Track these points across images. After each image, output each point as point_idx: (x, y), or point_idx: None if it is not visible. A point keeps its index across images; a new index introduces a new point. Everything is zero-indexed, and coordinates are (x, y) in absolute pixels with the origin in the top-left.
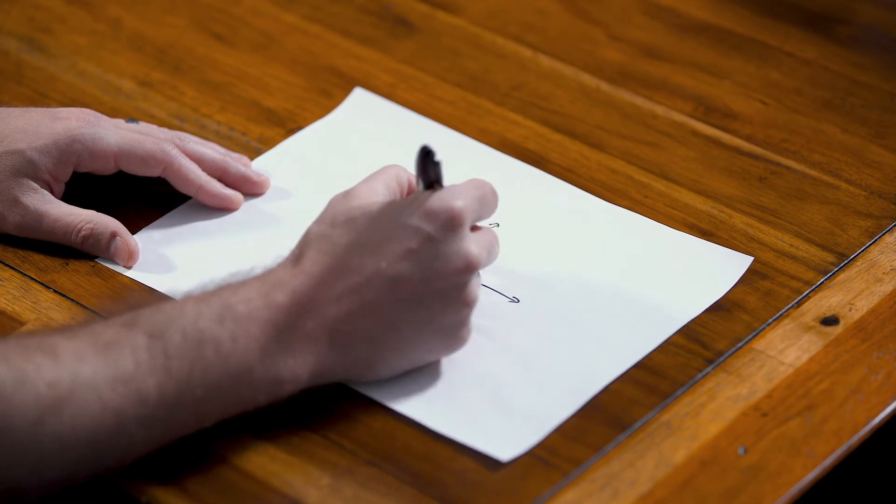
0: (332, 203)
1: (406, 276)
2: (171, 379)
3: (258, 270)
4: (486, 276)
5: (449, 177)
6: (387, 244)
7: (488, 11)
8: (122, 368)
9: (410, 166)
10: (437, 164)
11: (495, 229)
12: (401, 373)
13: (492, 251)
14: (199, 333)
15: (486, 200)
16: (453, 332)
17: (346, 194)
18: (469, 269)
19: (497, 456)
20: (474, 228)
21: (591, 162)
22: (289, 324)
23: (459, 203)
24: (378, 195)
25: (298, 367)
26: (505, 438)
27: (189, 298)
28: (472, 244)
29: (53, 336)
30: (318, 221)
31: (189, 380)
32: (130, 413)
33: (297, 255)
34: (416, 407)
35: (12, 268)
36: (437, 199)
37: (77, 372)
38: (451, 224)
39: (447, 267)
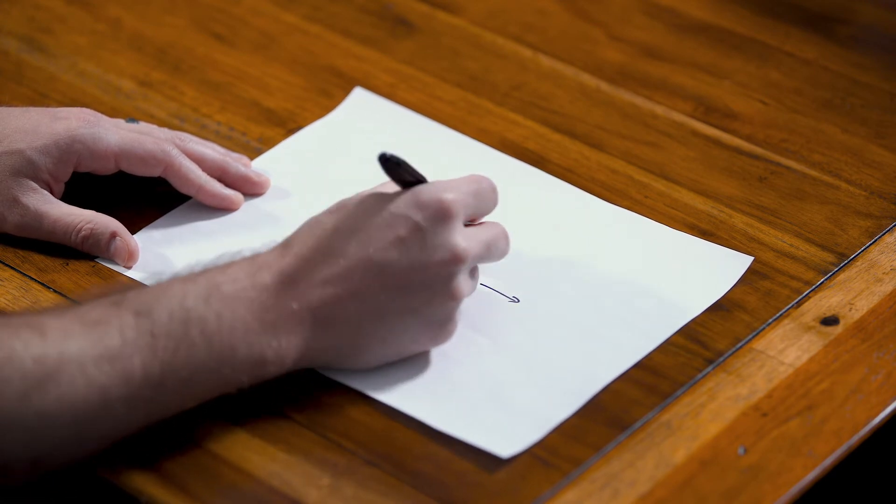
0: (340, 201)
1: (392, 263)
2: (156, 358)
3: (247, 252)
4: (486, 276)
5: (449, 177)
6: (375, 231)
7: (488, 11)
8: (109, 346)
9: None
10: (401, 165)
11: None
12: (386, 362)
13: (493, 246)
14: (185, 313)
15: (483, 195)
16: (439, 325)
17: (357, 194)
18: (455, 261)
19: (497, 452)
20: (475, 223)
21: (591, 162)
22: (274, 305)
23: (450, 195)
24: (383, 190)
25: (282, 348)
26: (505, 436)
27: (176, 279)
28: (460, 237)
29: (41, 314)
30: (321, 212)
31: (174, 359)
32: (115, 391)
33: (288, 239)
34: (416, 405)
35: (12, 268)
36: (427, 191)
37: (64, 348)
38: (439, 215)
39: (433, 258)
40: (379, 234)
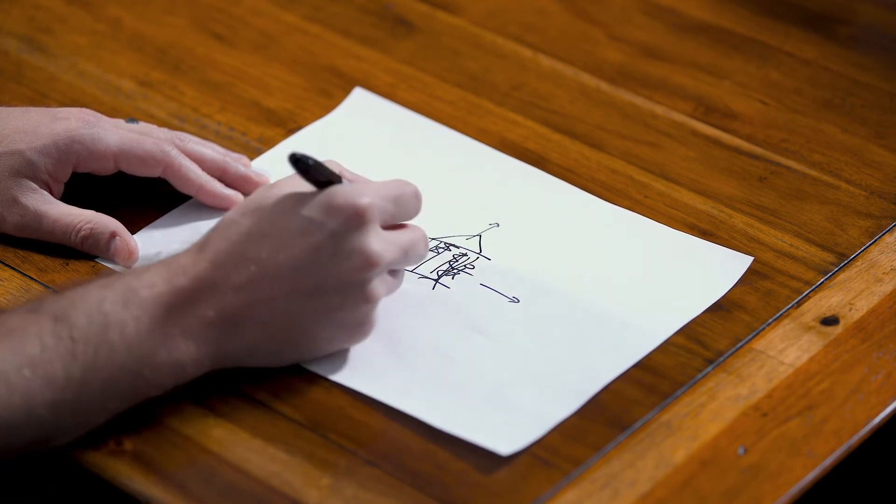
0: (257, 191)
1: (303, 269)
2: (76, 362)
3: (163, 255)
4: (485, 276)
5: (449, 177)
6: (287, 237)
7: (488, 11)
8: (29, 353)
9: (411, 167)
10: (313, 167)
11: (494, 229)
12: (303, 361)
13: (410, 250)
14: (103, 317)
15: (404, 201)
16: (354, 327)
17: (272, 185)
18: (368, 266)
19: (497, 450)
20: (398, 227)
21: (591, 162)
22: (189, 309)
23: (365, 200)
24: (301, 188)
25: (200, 351)
26: (505, 434)
27: (93, 283)
28: (374, 241)
29: None
30: (235, 208)
31: (94, 363)
32: (38, 397)
33: (203, 242)
34: (416, 404)
35: (12, 268)
36: (341, 195)
37: None
38: (354, 221)
39: (345, 264)
40: (291, 240)
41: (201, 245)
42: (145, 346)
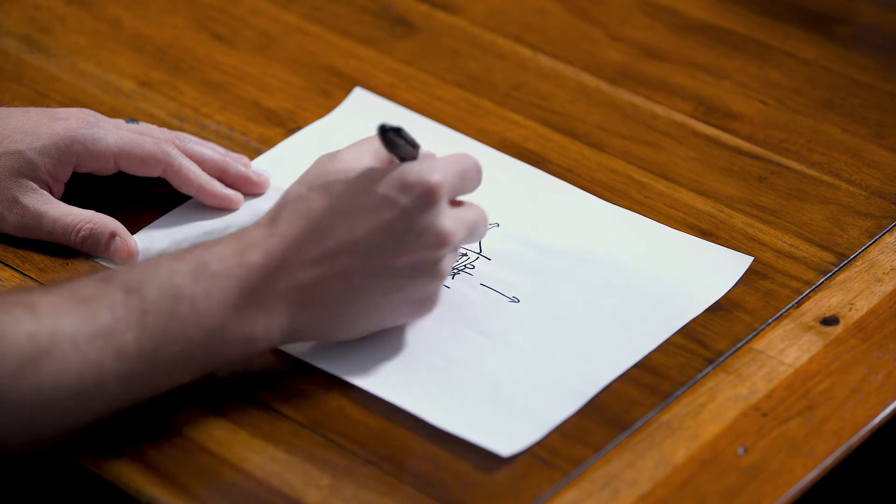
0: (317, 164)
1: (378, 246)
2: (147, 333)
3: (233, 229)
4: (485, 276)
5: None
6: (361, 213)
7: (488, 11)
8: (101, 323)
9: None
10: (399, 136)
11: (494, 229)
12: (367, 334)
13: (475, 229)
14: (174, 289)
15: (468, 176)
16: (422, 301)
17: (332, 156)
18: (441, 244)
19: (498, 451)
20: (457, 204)
21: (591, 162)
22: (261, 284)
23: (436, 177)
24: (363, 161)
25: (271, 325)
26: (506, 435)
27: (164, 256)
28: (446, 219)
29: (31, 292)
30: (299, 182)
31: (165, 335)
32: (110, 367)
33: (273, 216)
34: (417, 403)
35: (12, 268)
36: (414, 172)
37: (56, 325)
38: (426, 198)
39: (419, 241)
40: (365, 216)
41: (271, 219)
42: (216, 319)
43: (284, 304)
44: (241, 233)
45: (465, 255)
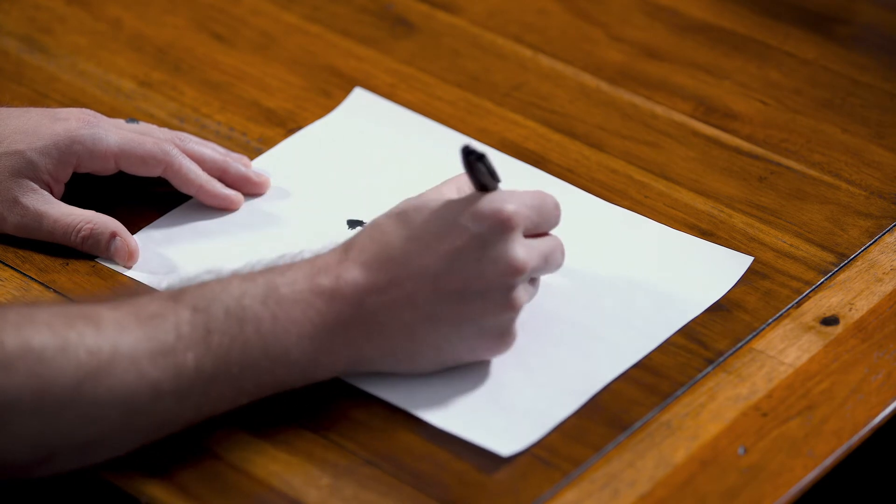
0: (402, 202)
1: (449, 273)
2: (209, 353)
3: (307, 254)
4: None
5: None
6: (434, 240)
7: (488, 11)
8: (163, 340)
9: (411, 167)
10: (481, 163)
11: None
12: (441, 369)
13: (550, 258)
14: (241, 311)
15: (546, 211)
16: (496, 335)
17: (420, 194)
18: (514, 273)
19: (498, 451)
20: (536, 236)
21: (591, 162)
22: (330, 310)
23: (510, 207)
24: (444, 195)
25: (335, 352)
26: (505, 435)
27: (235, 276)
28: (519, 248)
29: (98, 305)
30: (384, 213)
31: (227, 356)
32: (167, 385)
33: (349, 244)
34: (416, 403)
35: (12, 268)
36: (488, 201)
37: (118, 341)
38: (499, 227)
39: (491, 269)
40: (436, 243)
41: (347, 246)
42: (281, 343)
43: (352, 331)
44: (315, 258)
45: None
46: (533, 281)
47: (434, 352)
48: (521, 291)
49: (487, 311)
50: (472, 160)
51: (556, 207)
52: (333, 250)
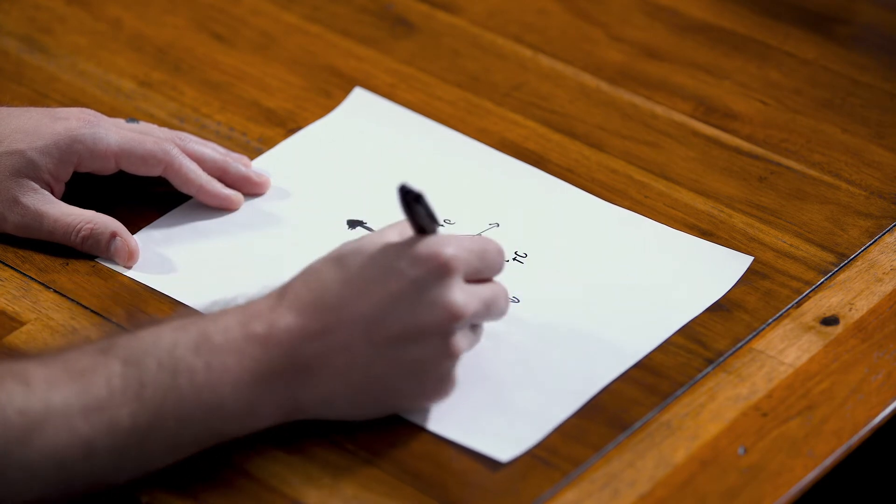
0: (341, 245)
1: (385, 319)
2: (144, 408)
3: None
4: None
5: (449, 177)
6: (370, 285)
7: (488, 11)
8: (95, 396)
9: (411, 167)
10: (419, 204)
11: (494, 229)
12: (384, 415)
13: (492, 305)
14: (174, 362)
15: (488, 257)
16: (435, 383)
17: (357, 240)
18: (451, 319)
19: (496, 457)
20: (479, 282)
21: (591, 162)
22: (264, 357)
23: (449, 251)
24: (384, 238)
25: (273, 401)
26: (504, 439)
27: (167, 325)
28: (458, 293)
29: (26, 363)
30: (319, 258)
31: (162, 409)
32: (101, 442)
33: (284, 289)
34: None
35: (12, 268)
36: (426, 245)
37: (49, 400)
38: (437, 271)
39: (427, 314)
40: (372, 288)
41: (282, 291)
42: (214, 394)
43: (287, 378)
44: (248, 304)
45: None
46: (475, 328)
47: (372, 399)
48: (461, 338)
49: (426, 358)
50: (410, 200)
51: (500, 253)
52: (268, 296)
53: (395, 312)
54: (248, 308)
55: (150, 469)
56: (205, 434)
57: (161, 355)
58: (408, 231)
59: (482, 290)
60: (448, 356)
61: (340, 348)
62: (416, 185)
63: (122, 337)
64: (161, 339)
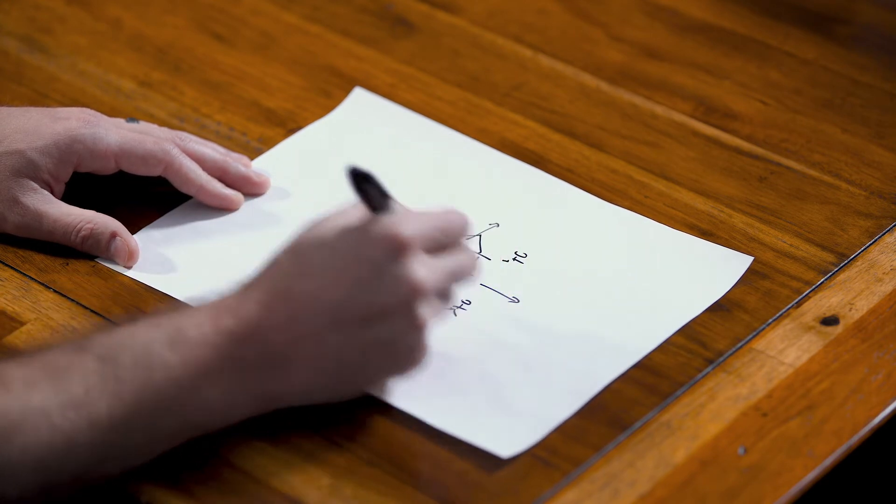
0: (298, 234)
1: (348, 303)
2: (121, 403)
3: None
4: (486, 276)
5: (448, 177)
6: (329, 271)
7: (488, 11)
8: (73, 393)
9: (411, 167)
10: (369, 184)
11: (494, 229)
12: (360, 395)
13: (458, 274)
14: (149, 357)
15: (449, 228)
16: (406, 355)
17: (315, 223)
18: (414, 294)
19: (497, 453)
20: (440, 251)
21: (591, 162)
22: (237, 350)
23: (405, 228)
24: (343, 221)
25: (248, 392)
26: (505, 436)
27: (141, 322)
28: (419, 268)
29: (5, 364)
30: (280, 247)
31: (139, 404)
32: (80, 437)
33: (250, 283)
34: (416, 404)
35: (12, 268)
36: (382, 225)
37: (27, 400)
38: (395, 251)
39: (390, 293)
40: (333, 274)
41: (248, 285)
42: (191, 387)
43: (261, 369)
44: (219, 300)
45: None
46: (443, 294)
47: (346, 382)
48: (426, 309)
49: (394, 335)
50: (360, 181)
51: (461, 221)
52: (237, 290)
53: (358, 296)
54: (220, 303)
55: (131, 464)
56: (183, 427)
57: (136, 351)
58: (365, 210)
59: (445, 262)
60: (415, 328)
61: (309, 337)
62: (364, 165)
63: (98, 334)
64: (136, 335)
